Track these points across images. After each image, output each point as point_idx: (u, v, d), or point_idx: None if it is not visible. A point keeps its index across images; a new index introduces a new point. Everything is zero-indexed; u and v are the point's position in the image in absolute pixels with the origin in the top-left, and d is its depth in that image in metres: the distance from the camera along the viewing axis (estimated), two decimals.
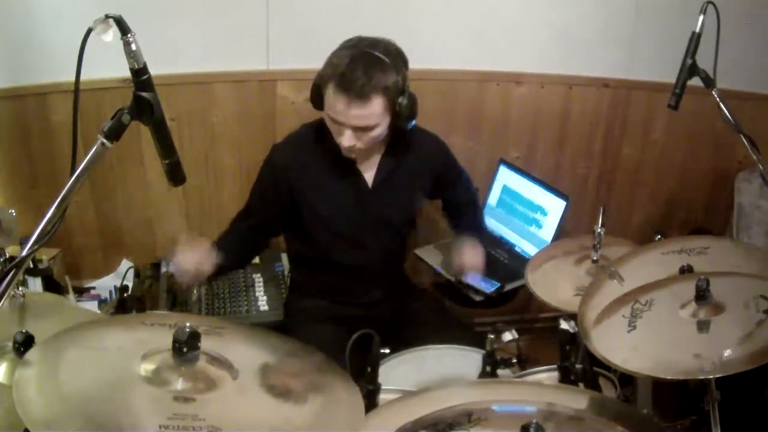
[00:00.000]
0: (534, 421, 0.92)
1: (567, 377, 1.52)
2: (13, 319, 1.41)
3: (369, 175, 1.93)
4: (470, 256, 1.98)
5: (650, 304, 1.40)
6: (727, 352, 1.22)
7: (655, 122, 2.77)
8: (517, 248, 2.47)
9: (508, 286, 2.28)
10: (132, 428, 0.98)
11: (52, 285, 2.19)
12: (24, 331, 1.24)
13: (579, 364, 1.52)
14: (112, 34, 1.13)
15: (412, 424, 1.04)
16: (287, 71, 2.41)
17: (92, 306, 2.31)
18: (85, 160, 1.15)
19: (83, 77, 1.17)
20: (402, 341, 1.76)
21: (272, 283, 2.38)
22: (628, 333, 1.34)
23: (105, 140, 1.16)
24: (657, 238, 1.95)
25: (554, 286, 1.89)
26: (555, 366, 1.54)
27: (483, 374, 1.58)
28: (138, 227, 2.51)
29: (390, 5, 2.37)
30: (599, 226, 1.85)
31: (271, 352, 1.28)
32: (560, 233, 2.34)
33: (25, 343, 1.22)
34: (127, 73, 1.18)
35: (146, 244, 2.53)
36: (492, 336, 1.58)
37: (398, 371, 1.67)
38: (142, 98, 1.18)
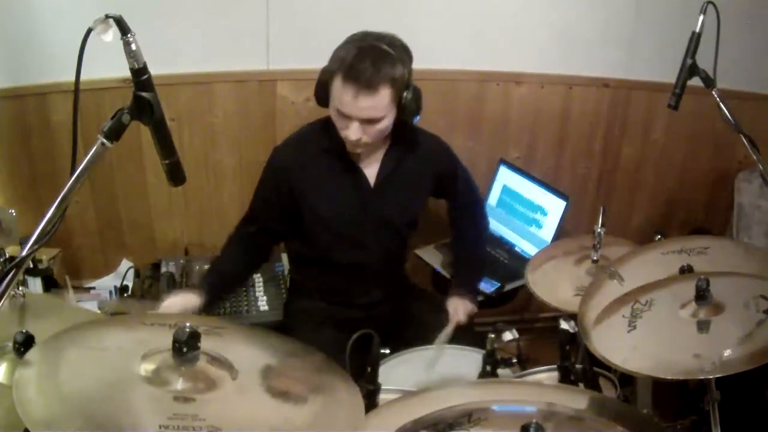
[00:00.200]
0: (534, 421, 0.92)
1: (567, 377, 1.52)
2: (13, 319, 1.41)
3: (371, 174, 1.93)
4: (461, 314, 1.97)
5: (650, 304, 1.40)
6: (727, 352, 1.22)
7: (655, 122, 2.77)
8: (517, 248, 2.47)
9: (508, 286, 2.28)
10: (132, 428, 0.98)
11: (52, 285, 2.19)
12: (24, 331, 1.24)
13: (579, 364, 1.52)
14: (112, 34, 1.13)
15: (412, 424, 1.04)
16: (287, 71, 2.41)
17: (92, 306, 2.31)
18: (85, 160, 1.15)
19: (83, 77, 1.17)
20: (402, 341, 1.76)
21: (272, 283, 2.38)
22: (628, 333, 1.34)
23: (105, 140, 1.16)
24: (657, 238, 1.95)
25: (554, 286, 1.89)
26: (555, 366, 1.54)
27: (483, 374, 1.58)
28: (138, 227, 2.51)
29: (390, 5, 2.37)
30: (599, 226, 1.85)
31: (271, 352, 1.28)
32: (560, 233, 2.34)
33: (25, 343, 1.22)
34: (127, 73, 1.18)
35: (146, 244, 2.53)
36: (492, 336, 1.58)
37: (398, 371, 1.67)
38: (142, 98, 1.18)
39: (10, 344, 1.25)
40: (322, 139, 1.89)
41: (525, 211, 2.46)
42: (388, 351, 1.58)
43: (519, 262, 2.34)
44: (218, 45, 2.33)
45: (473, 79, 2.57)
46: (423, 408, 1.08)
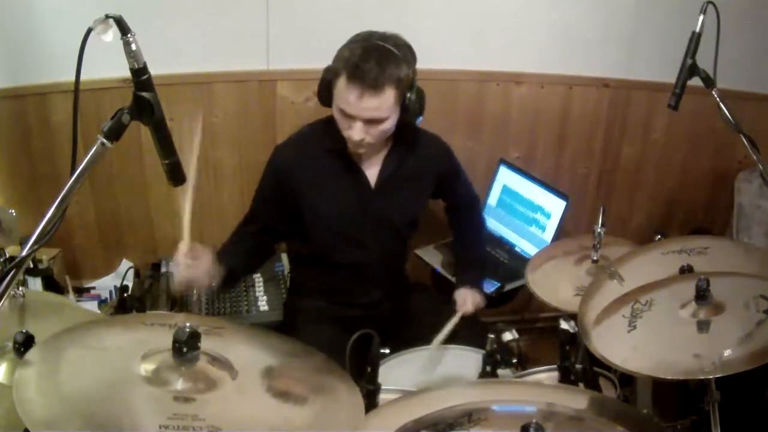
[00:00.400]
0: (534, 421, 0.92)
1: (567, 377, 1.52)
2: (13, 319, 1.41)
3: (372, 174, 1.93)
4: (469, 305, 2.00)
5: (650, 304, 1.40)
6: (727, 352, 1.22)
7: (655, 122, 2.77)
8: (517, 248, 2.47)
9: (508, 286, 2.28)
10: (132, 428, 0.98)
11: (52, 285, 2.19)
12: (24, 331, 1.24)
13: (579, 364, 1.52)
14: (112, 34, 1.13)
15: (412, 424, 1.04)
16: (287, 71, 2.41)
17: (92, 306, 2.31)
18: (85, 160, 1.15)
19: (83, 77, 1.16)
20: (402, 341, 1.76)
21: (272, 283, 2.38)
22: (628, 333, 1.34)
23: (105, 140, 1.16)
24: (657, 238, 1.95)
25: (554, 286, 1.89)
26: (555, 366, 1.54)
27: (483, 374, 1.58)
28: (138, 227, 2.51)
29: (390, 5, 2.37)
30: (599, 226, 1.85)
31: (271, 352, 1.28)
32: (560, 233, 2.34)
33: (25, 343, 1.23)
34: (127, 73, 1.18)
35: (146, 244, 2.53)
36: (492, 336, 1.58)
37: (398, 371, 1.67)
38: (142, 98, 1.18)
39: (10, 344, 1.25)
40: (323, 139, 1.89)
41: (525, 211, 2.46)
42: (388, 351, 1.58)
43: (519, 262, 2.34)
44: (218, 45, 2.33)
45: (473, 79, 2.57)
46: (423, 408, 1.08)
